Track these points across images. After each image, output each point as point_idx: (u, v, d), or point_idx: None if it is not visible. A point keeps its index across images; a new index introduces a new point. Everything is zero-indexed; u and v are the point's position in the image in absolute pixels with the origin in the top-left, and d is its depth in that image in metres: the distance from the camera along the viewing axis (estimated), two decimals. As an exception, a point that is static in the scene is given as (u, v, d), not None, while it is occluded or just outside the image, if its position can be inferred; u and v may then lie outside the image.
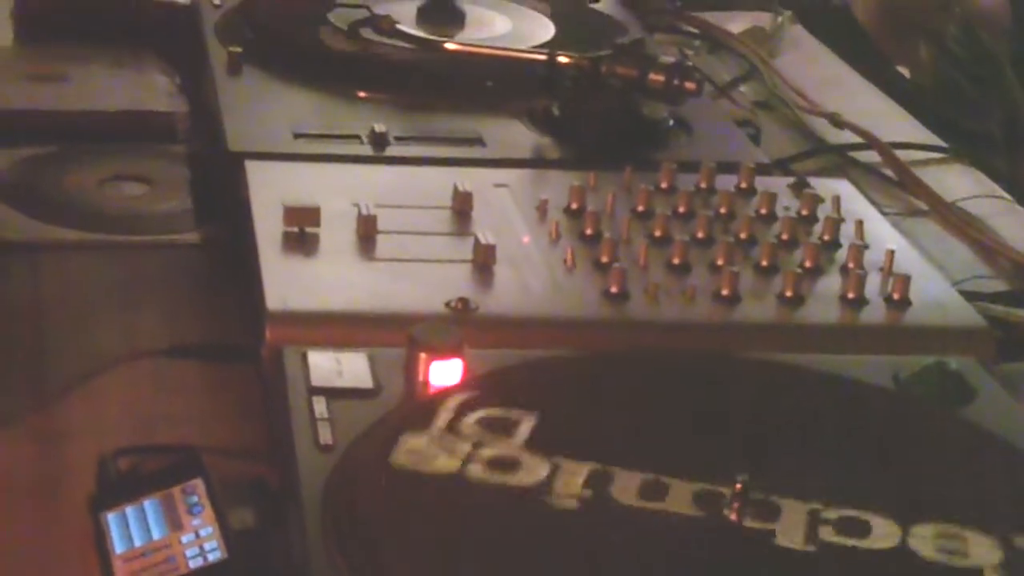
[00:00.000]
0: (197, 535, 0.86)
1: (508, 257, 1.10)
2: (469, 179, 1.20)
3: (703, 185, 1.25)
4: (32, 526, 0.95)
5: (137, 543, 0.86)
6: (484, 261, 1.09)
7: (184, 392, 1.09)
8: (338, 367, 0.95)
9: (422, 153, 1.29)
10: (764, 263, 1.12)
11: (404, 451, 0.85)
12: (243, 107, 1.35)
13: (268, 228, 1.11)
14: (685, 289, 1.08)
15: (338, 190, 1.18)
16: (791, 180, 1.28)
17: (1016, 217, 1.45)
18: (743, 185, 1.25)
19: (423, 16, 1.53)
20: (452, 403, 0.90)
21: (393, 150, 1.29)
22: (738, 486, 0.81)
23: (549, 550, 0.80)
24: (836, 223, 1.18)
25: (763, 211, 1.21)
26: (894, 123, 1.66)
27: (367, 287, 1.06)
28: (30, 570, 0.92)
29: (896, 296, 1.09)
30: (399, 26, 1.45)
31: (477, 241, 1.10)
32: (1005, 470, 0.90)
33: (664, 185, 1.24)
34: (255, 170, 1.20)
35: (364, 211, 1.13)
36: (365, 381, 0.94)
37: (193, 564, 0.84)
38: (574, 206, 1.19)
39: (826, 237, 1.17)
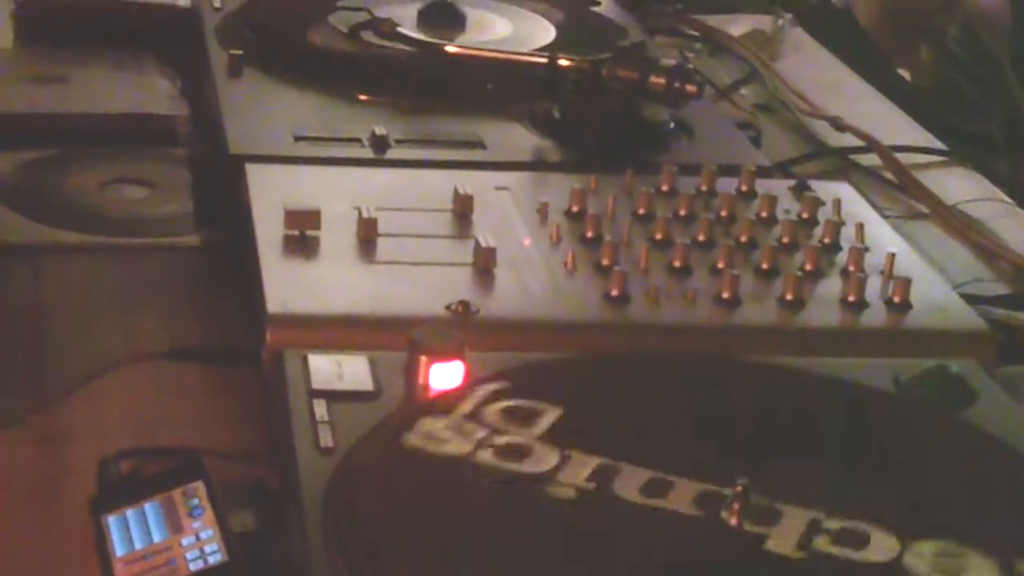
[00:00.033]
0: (197, 537, 0.86)
1: (509, 260, 1.10)
2: (470, 182, 1.20)
3: (704, 188, 1.25)
4: (33, 528, 0.95)
5: (138, 545, 0.86)
6: (485, 264, 1.09)
7: (185, 395, 1.09)
8: (339, 370, 0.95)
9: (423, 156, 1.29)
10: (765, 266, 1.12)
11: (420, 433, 0.86)
12: (244, 110, 1.35)
13: (269, 231, 1.11)
14: (686, 292, 1.08)
15: (339, 193, 1.18)
16: (792, 183, 1.28)
17: (1017, 220, 1.45)
18: (744, 188, 1.25)
19: (424, 19, 1.53)
20: (482, 391, 0.91)
21: (394, 153, 1.29)
22: (738, 488, 0.81)
23: (543, 543, 0.80)
24: (837, 226, 1.18)
25: (764, 214, 1.21)
26: (895, 126, 1.66)
27: (368, 290, 1.06)
28: (31, 572, 0.92)
29: (897, 299, 1.09)
30: (400, 29, 1.45)
31: (478, 244, 1.10)
32: (1007, 475, 0.89)
33: (665, 188, 1.24)
34: (256, 173, 1.20)
35: (365, 214, 1.13)
36: (366, 384, 0.94)
37: (193, 567, 0.84)
38: (575, 209, 1.19)
39: (827, 240, 1.17)
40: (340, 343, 0.98)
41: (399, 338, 0.94)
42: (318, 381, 0.94)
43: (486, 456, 0.85)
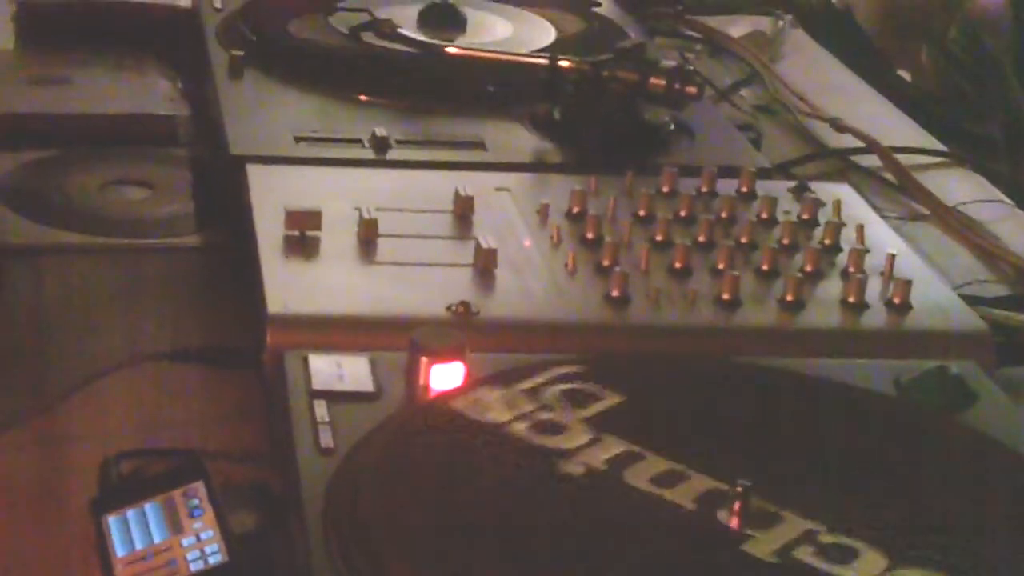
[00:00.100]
0: (198, 538, 0.86)
1: (509, 261, 1.10)
2: (470, 183, 1.20)
3: (704, 189, 1.25)
4: (34, 529, 0.95)
5: (138, 546, 0.86)
6: (485, 265, 1.09)
7: (185, 396, 1.09)
8: (339, 371, 0.95)
9: (423, 157, 1.29)
10: (765, 267, 1.13)
11: (471, 398, 0.88)
12: (244, 111, 1.35)
13: (269, 232, 1.11)
14: (686, 293, 1.08)
15: (339, 194, 1.18)
16: (792, 184, 1.28)
17: (1017, 221, 1.45)
18: (744, 189, 1.25)
19: (424, 20, 1.54)
20: (552, 372, 0.92)
21: (394, 154, 1.29)
22: (738, 489, 0.81)
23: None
24: (837, 227, 1.18)
25: (764, 215, 1.21)
26: (895, 127, 1.66)
27: (368, 291, 1.06)
28: (31, 572, 0.92)
29: (897, 300, 1.09)
30: (400, 30, 1.45)
31: (478, 245, 1.10)
32: (1007, 478, 0.89)
33: (665, 189, 1.24)
34: (256, 174, 1.21)
35: (365, 215, 1.13)
36: (366, 385, 0.94)
37: (194, 567, 0.84)
38: (575, 210, 1.19)
39: (827, 241, 1.17)
40: (341, 344, 0.98)
41: (400, 339, 0.94)
42: (319, 382, 0.94)
43: (520, 428, 0.86)
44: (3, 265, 1.24)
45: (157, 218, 1.35)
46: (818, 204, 1.22)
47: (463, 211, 1.17)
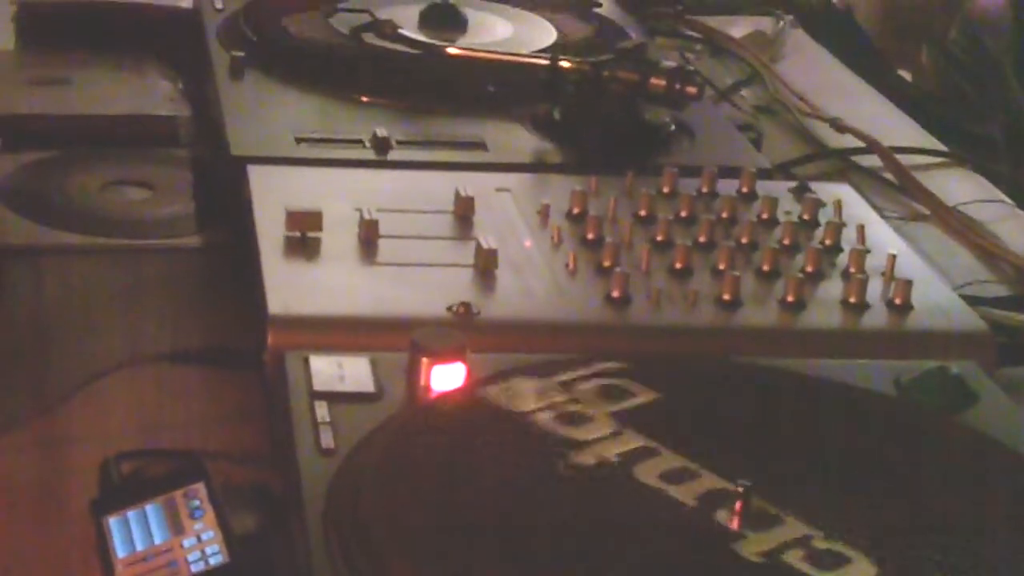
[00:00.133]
0: (199, 539, 0.86)
1: (510, 261, 1.11)
2: (471, 183, 1.20)
3: (704, 189, 1.25)
4: (34, 530, 0.95)
5: (139, 547, 0.87)
6: (486, 265, 1.09)
7: (186, 396, 1.09)
8: (340, 371, 0.95)
9: (424, 157, 1.29)
10: (766, 268, 1.13)
11: (504, 387, 0.89)
12: (245, 111, 1.35)
13: (270, 232, 1.11)
14: (687, 293, 1.08)
15: (340, 194, 1.18)
16: (793, 184, 1.28)
17: (1018, 222, 1.45)
18: (744, 189, 1.25)
19: (425, 21, 1.53)
20: (593, 367, 0.93)
21: (395, 154, 1.29)
22: (739, 489, 0.81)
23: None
24: (838, 228, 1.18)
25: (764, 215, 1.21)
26: (896, 127, 1.66)
27: (369, 291, 1.06)
28: (32, 574, 0.92)
29: (898, 301, 1.09)
30: (401, 31, 1.45)
31: (479, 245, 1.10)
32: (1008, 479, 0.89)
33: (666, 189, 1.24)
34: (257, 174, 1.21)
35: (366, 215, 1.13)
36: (367, 385, 0.94)
37: (195, 568, 0.85)
38: (576, 210, 1.19)
39: (827, 242, 1.17)
40: (341, 344, 0.98)
41: (400, 339, 0.94)
42: (319, 383, 0.94)
43: (546, 417, 0.87)
44: (3, 265, 1.24)
45: (158, 219, 1.35)
46: (819, 204, 1.22)
47: (464, 212, 1.17)
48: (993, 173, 1.62)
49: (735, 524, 0.81)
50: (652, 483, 0.83)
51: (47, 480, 1.00)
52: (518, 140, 1.35)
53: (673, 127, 1.38)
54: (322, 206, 1.12)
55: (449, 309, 1.03)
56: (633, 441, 0.87)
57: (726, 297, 1.08)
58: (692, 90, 1.32)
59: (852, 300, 1.09)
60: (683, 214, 1.20)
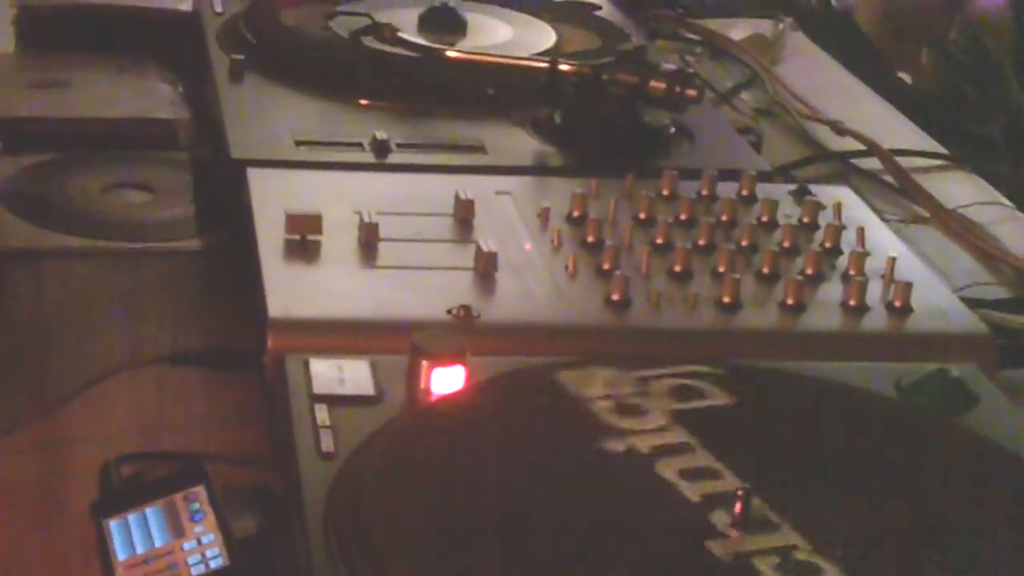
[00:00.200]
0: (199, 542, 0.86)
1: (510, 264, 1.11)
2: (471, 186, 1.20)
3: (704, 192, 1.25)
4: (34, 532, 0.95)
5: (139, 550, 0.87)
6: (486, 268, 1.09)
7: (186, 399, 1.09)
8: (340, 374, 0.95)
9: (424, 160, 1.29)
10: (765, 270, 1.13)
11: (579, 373, 0.91)
12: (245, 114, 1.35)
13: (270, 235, 1.11)
14: (687, 296, 1.08)
15: (340, 197, 1.18)
16: (792, 187, 1.29)
17: (1018, 224, 1.45)
18: (744, 192, 1.25)
19: (424, 24, 1.54)
20: (677, 368, 0.94)
21: (395, 157, 1.29)
22: (738, 491, 0.81)
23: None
24: (837, 230, 1.18)
25: (764, 218, 1.21)
26: (896, 130, 1.66)
27: (369, 294, 1.06)
28: (32, 575, 0.92)
29: (898, 303, 1.09)
30: (401, 34, 1.45)
31: (479, 248, 1.10)
32: (1008, 481, 0.89)
33: (665, 192, 1.24)
34: (257, 177, 1.21)
35: (366, 218, 1.13)
36: (367, 388, 0.94)
37: (195, 571, 0.85)
38: (576, 213, 1.19)
39: (827, 244, 1.17)
40: (342, 347, 0.98)
41: (401, 342, 0.94)
42: (319, 385, 0.94)
43: (603, 405, 0.89)
44: (4, 268, 1.24)
45: (158, 222, 1.35)
46: (818, 207, 1.23)
47: (464, 215, 1.17)
48: (993, 175, 1.63)
49: (730, 525, 0.81)
50: (669, 478, 0.84)
51: (47, 482, 1.00)
52: (518, 143, 1.35)
53: (673, 130, 1.38)
54: (322, 209, 1.13)
55: (449, 312, 1.03)
56: (675, 437, 0.87)
57: (726, 300, 1.08)
58: (692, 93, 1.32)
59: (852, 303, 1.09)
60: (683, 217, 1.20)
